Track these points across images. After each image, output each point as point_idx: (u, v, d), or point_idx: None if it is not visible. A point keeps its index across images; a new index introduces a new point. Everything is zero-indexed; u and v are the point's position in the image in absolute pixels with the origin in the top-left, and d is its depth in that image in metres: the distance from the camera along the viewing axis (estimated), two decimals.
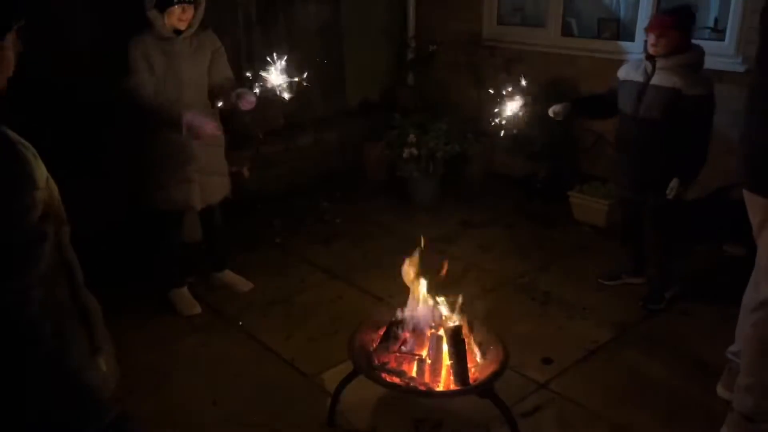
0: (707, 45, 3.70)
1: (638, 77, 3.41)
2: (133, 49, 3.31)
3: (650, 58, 3.38)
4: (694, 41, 3.41)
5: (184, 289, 3.77)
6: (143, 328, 3.53)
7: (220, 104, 3.44)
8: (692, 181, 3.37)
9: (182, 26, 3.33)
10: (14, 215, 1.30)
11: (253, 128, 4.74)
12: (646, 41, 3.46)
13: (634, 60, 3.72)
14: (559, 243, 4.49)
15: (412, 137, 5.05)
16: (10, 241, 1.29)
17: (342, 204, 5.26)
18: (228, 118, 3.73)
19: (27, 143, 1.36)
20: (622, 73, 3.55)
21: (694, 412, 2.86)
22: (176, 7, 3.24)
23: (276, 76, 3.05)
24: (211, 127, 3.33)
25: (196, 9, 3.32)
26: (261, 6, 5.10)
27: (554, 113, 3.60)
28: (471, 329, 2.77)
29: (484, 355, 2.73)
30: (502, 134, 3.42)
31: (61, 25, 3.89)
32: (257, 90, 3.17)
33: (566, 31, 5.24)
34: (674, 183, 3.33)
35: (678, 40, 3.26)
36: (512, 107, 3.38)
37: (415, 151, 5.03)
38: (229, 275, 3.98)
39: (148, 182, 3.53)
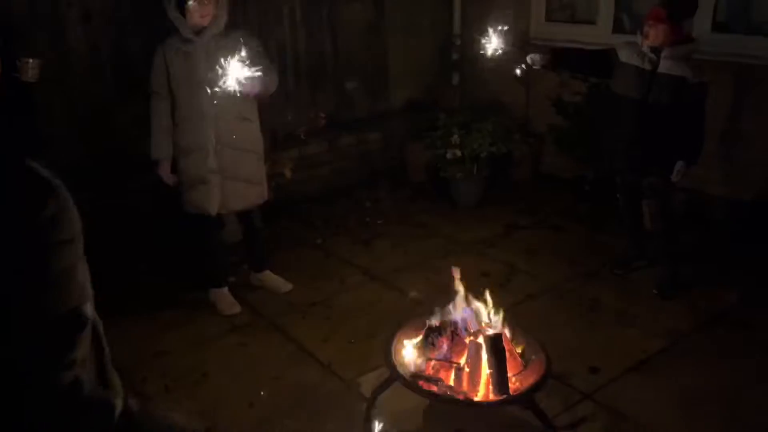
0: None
1: (643, 64, 3.45)
2: (155, 57, 3.33)
3: (653, 47, 3.42)
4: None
5: (225, 289, 3.77)
6: (183, 327, 3.55)
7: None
8: (695, 163, 3.49)
9: (205, 22, 3.25)
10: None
11: (294, 128, 4.72)
12: (641, 31, 3.48)
13: (628, 42, 3.62)
14: (608, 247, 4.32)
15: (455, 138, 4.95)
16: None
17: (384, 205, 5.19)
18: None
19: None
20: (624, 55, 3.54)
21: (754, 429, 2.69)
22: (193, 2, 3.18)
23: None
24: (255, 86, 3.07)
25: (217, 2, 3.25)
26: (305, 5, 5.08)
27: (532, 60, 3.66)
28: (512, 337, 2.67)
29: (525, 363, 2.63)
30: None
31: None
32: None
33: (617, 27, 5.04)
34: (680, 166, 3.45)
35: (668, 31, 3.35)
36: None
37: (458, 152, 4.93)
38: (268, 276, 3.96)
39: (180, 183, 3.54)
